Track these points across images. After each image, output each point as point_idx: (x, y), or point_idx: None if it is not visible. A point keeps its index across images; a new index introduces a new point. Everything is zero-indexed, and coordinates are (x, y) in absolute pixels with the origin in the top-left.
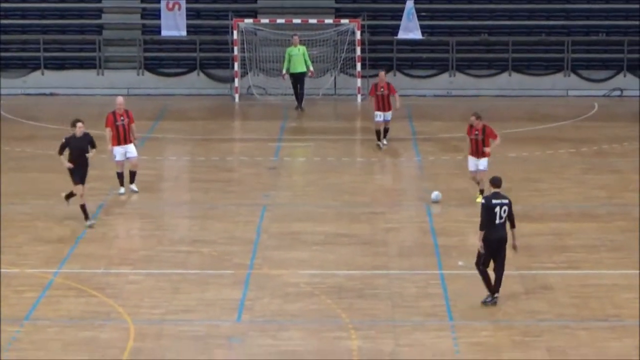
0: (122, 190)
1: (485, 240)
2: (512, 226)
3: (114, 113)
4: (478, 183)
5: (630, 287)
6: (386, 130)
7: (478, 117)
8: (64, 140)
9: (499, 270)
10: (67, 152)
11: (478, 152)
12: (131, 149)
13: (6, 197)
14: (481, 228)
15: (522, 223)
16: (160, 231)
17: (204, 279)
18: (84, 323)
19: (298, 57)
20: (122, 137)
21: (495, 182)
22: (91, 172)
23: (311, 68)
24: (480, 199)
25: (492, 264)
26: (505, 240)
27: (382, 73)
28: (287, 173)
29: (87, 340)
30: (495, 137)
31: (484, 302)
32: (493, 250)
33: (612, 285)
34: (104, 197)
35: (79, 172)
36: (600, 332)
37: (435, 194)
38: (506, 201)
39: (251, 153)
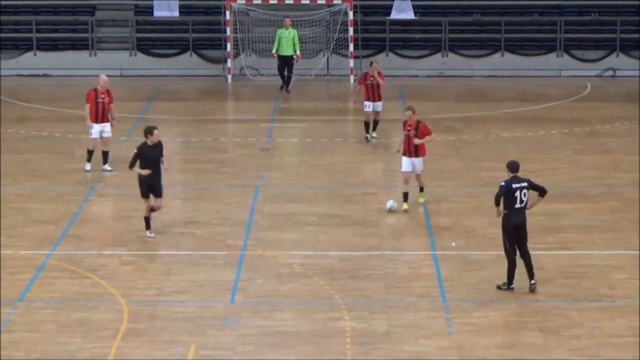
0: (89, 167)
1: (505, 225)
2: (542, 195)
3: (95, 90)
4: (412, 189)
5: (622, 267)
6: (376, 123)
7: (413, 112)
8: (136, 150)
9: (527, 256)
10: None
11: (411, 151)
12: (107, 129)
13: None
14: (496, 204)
15: None
16: (153, 212)
17: (197, 260)
18: (77, 304)
19: (287, 40)
20: (100, 114)
21: (513, 166)
22: (78, 152)
23: (298, 52)
24: (423, 199)
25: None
26: (525, 224)
27: (374, 64)
28: (280, 154)
29: (81, 321)
30: (429, 133)
31: (499, 287)
32: (515, 235)
33: (605, 266)
34: (98, 178)
35: (149, 184)
36: (593, 312)
37: (389, 203)
38: (525, 184)
39: (244, 134)
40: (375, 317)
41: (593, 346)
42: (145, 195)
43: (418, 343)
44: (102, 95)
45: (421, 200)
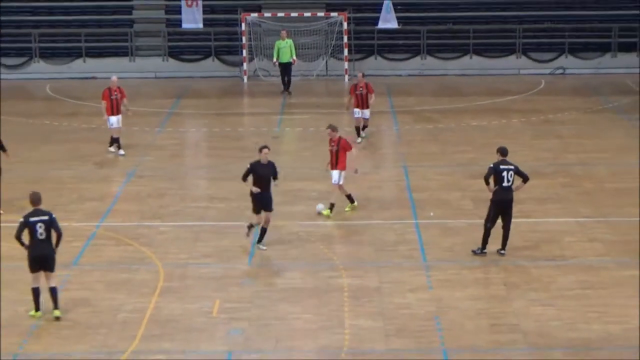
0: (112, 149)
1: (494, 201)
2: (525, 181)
3: (109, 89)
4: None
5: (571, 232)
6: (365, 126)
7: (332, 130)
8: (248, 166)
9: (507, 229)
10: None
11: (332, 163)
12: (119, 119)
13: (55, 164)
14: (487, 184)
15: (481, 180)
16: (183, 190)
17: (220, 230)
18: (121, 267)
19: (285, 49)
20: (114, 108)
21: (503, 151)
22: (122, 141)
23: (294, 57)
24: (348, 208)
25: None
26: (511, 201)
27: (360, 74)
28: (287, 141)
29: (124, 281)
30: (349, 148)
31: (474, 252)
32: (501, 209)
33: (557, 231)
34: (138, 161)
35: (261, 201)
36: (548, 269)
37: (319, 206)
38: (512, 167)
39: (257, 124)
40: (368, 275)
41: (548, 297)
42: (256, 210)
43: (404, 296)
44: (115, 92)
45: (347, 209)
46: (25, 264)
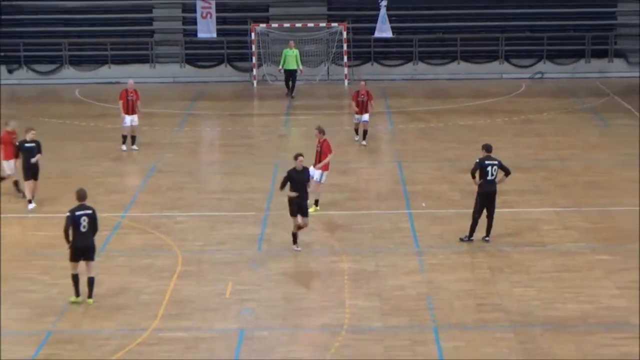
0: (125, 147)
1: (479, 193)
2: (507, 174)
3: (126, 90)
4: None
5: (549, 221)
6: (365, 132)
7: (321, 132)
8: (286, 174)
9: (491, 218)
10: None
11: (316, 162)
12: (135, 119)
13: (83, 160)
14: (473, 178)
15: (468, 174)
16: (199, 184)
17: (232, 219)
18: (144, 253)
19: (291, 57)
20: (130, 108)
21: (488, 147)
22: (141, 139)
23: (300, 67)
24: (316, 210)
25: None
26: (495, 193)
27: (362, 83)
28: (292, 139)
29: (147, 266)
30: (330, 152)
31: (462, 239)
32: (486, 200)
33: (536, 220)
34: (158, 158)
35: (299, 205)
36: (528, 254)
37: None
38: (496, 162)
39: (266, 124)
40: (366, 260)
41: (528, 280)
42: (294, 213)
43: (398, 279)
44: (131, 94)
45: (312, 210)
46: (60, 251)
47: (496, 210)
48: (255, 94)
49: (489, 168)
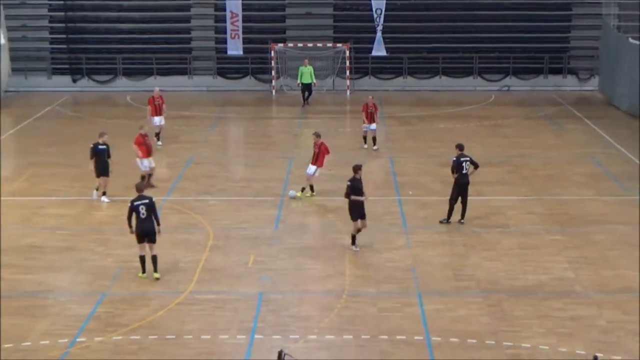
0: (160, 143)
1: (456, 184)
2: (476, 168)
3: (153, 97)
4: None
5: (514, 207)
6: (374, 139)
7: (318, 136)
8: (349, 182)
9: (465, 204)
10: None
11: (313, 161)
12: (162, 119)
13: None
14: (453, 173)
15: (447, 168)
16: (228, 173)
17: (255, 203)
18: (181, 230)
19: (306, 73)
20: (157, 111)
21: (461, 146)
22: (181, 137)
23: (315, 81)
24: (308, 194)
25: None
26: (468, 184)
27: (370, 97)
28: (304, 138)
29: (184, 240)
30: (327, 152)
31: (441, 221)
32: (461, 190)
33: (503, 206)
34: (195, 152)
35: (362, 209)
36: (496, 235)
37: (292, 192)
38: (468, 158)
39: (282, 126)
40: (362, 236)
41: (496, 255)
42: (355, 217)
43: (390, 252)
44: (157, 99)
45: (307, 195)
46: (114, 228)
47: (469, 197)
48: (274, 101)
49: (464, 164)
